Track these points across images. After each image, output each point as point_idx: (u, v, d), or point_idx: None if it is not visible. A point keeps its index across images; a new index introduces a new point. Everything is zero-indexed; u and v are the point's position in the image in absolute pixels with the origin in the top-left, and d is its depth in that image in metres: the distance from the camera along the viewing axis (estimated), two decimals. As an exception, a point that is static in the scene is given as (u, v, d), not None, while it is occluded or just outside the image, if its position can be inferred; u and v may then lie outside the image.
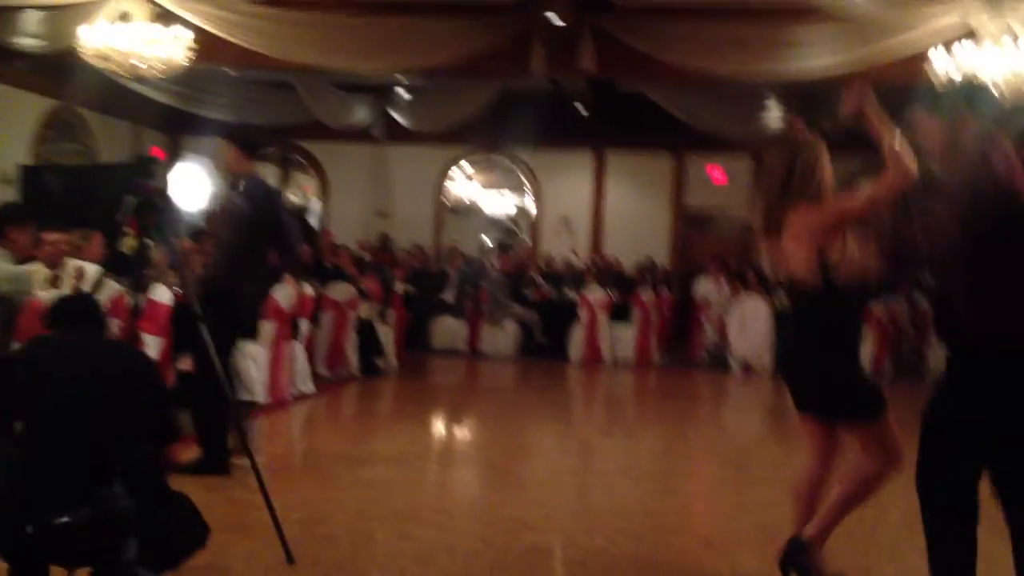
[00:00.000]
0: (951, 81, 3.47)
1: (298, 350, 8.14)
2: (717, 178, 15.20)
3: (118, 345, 3.20)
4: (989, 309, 2.82)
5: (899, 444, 3.46)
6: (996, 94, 8.34)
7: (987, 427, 2.87)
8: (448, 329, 12.64)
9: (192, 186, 14.46)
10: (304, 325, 8.47)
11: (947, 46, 8.66)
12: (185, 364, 6.85)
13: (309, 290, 8.58)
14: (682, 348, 13.03)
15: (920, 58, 9.07)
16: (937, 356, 11.81)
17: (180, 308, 6.19)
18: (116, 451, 2.86)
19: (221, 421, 4.97)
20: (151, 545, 2.88)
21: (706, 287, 12.62)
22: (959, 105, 3.24)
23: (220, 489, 4.81)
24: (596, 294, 12.04)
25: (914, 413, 9.30)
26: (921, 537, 3.00)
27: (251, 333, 6.05)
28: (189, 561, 3.30)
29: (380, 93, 14.64)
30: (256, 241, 5.13)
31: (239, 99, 14.09)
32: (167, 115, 14.40)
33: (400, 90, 14.70)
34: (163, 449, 3.17)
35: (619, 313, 12.10)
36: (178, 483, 3.63)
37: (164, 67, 9.11)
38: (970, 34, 8.49)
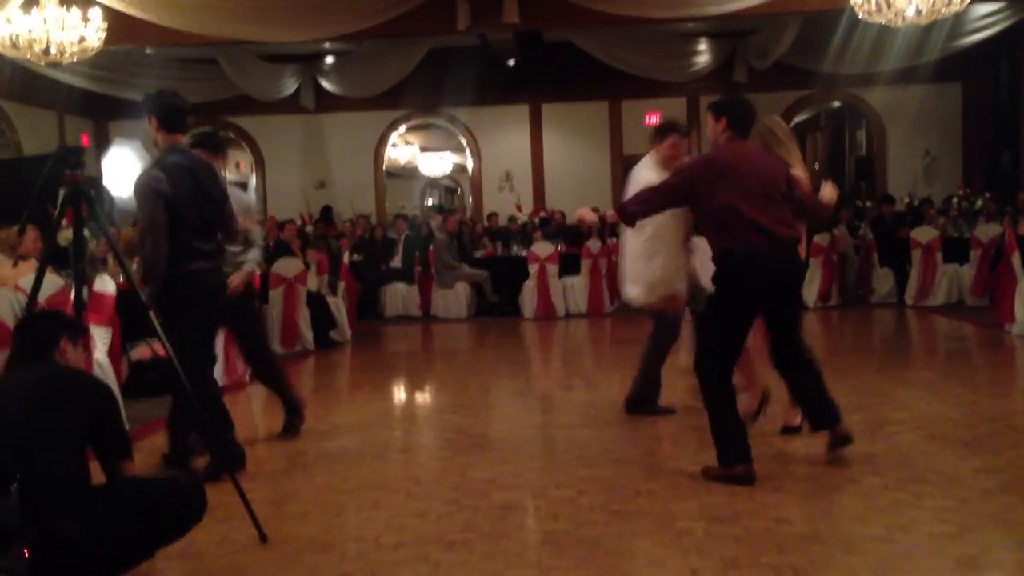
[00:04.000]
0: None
1: (250, 329, 8.04)
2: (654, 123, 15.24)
3: (55, 372, 3.19)
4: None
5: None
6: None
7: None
8: (399, 296, 12.60)
9: (123, 172, 14.11)
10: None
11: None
12: (138, 353, 6.77)
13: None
14: (633, 294, 13.15)
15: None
16: (881, 280, 12.09)
17: (126, 297, 6.08)
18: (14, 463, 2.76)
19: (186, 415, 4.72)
20: (52, 554, 2.79)
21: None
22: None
23: (185, 476, 4.77)
24: (543, 248, 12.06)
25: (856, 336, 9.47)
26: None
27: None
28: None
29: (307, 61, 14.40)
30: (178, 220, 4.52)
31: (161, 78, 13.78)
32: (90, 101, 14.02)
33: (328, 57, 14.47)
34: (115, 464, 3.15)
35: (568, 265, 12.15)
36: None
37: (79, 51, 8.83)
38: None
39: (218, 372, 7.28)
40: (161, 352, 3.99)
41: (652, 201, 4.58)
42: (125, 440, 3.24)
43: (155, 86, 13.63)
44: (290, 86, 14.42)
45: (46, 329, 3.30)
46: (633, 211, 4.57)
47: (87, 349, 3.99)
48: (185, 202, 4.49)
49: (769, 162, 4.57)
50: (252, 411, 6.90)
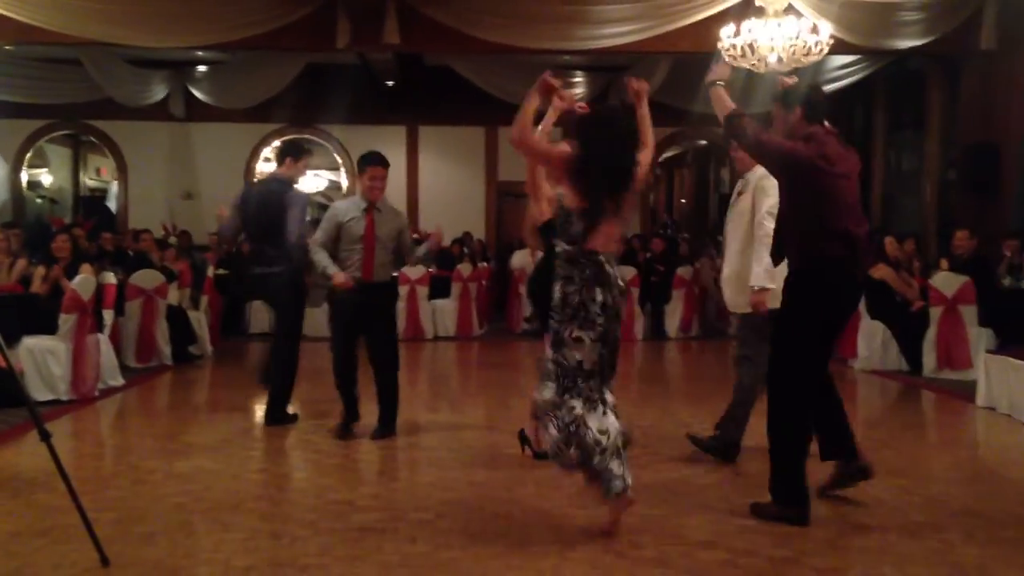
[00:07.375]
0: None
1: (103, 342, 7.72)
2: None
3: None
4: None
5: None
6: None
7: None
8: (264, 312, 12.28)
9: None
10: (108, 316, 8.04)
11: (735, 20, 9.21)
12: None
13: (111, 279, 8.15)
14: (502, 319, 13.27)
15: (710, 29, 9.61)
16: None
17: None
18: None
19: None
20: None
21: (523, 258, 12.86)
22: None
23: (23, 494, 4.53)
24: (414, 270, 12.03)
25: (714, 366, 9.75)
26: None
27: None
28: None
29: (178, 68, 14.02)
30: None
31: (20, 77, 13.21)
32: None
33: (200, 65, 14.12)
34: None
35: (438, 288, 12.15)
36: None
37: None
38: (757, 10, 9.05)
39: (64, 386, 7.00)
40: (1, 363, 3.79)
41: (770, 146, 4.42)
42: None
43: (14, 85, 13.08)
44: (159, 92, 13.99)
45: None
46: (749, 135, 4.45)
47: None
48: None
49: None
50: (100, 427, 6.61)
